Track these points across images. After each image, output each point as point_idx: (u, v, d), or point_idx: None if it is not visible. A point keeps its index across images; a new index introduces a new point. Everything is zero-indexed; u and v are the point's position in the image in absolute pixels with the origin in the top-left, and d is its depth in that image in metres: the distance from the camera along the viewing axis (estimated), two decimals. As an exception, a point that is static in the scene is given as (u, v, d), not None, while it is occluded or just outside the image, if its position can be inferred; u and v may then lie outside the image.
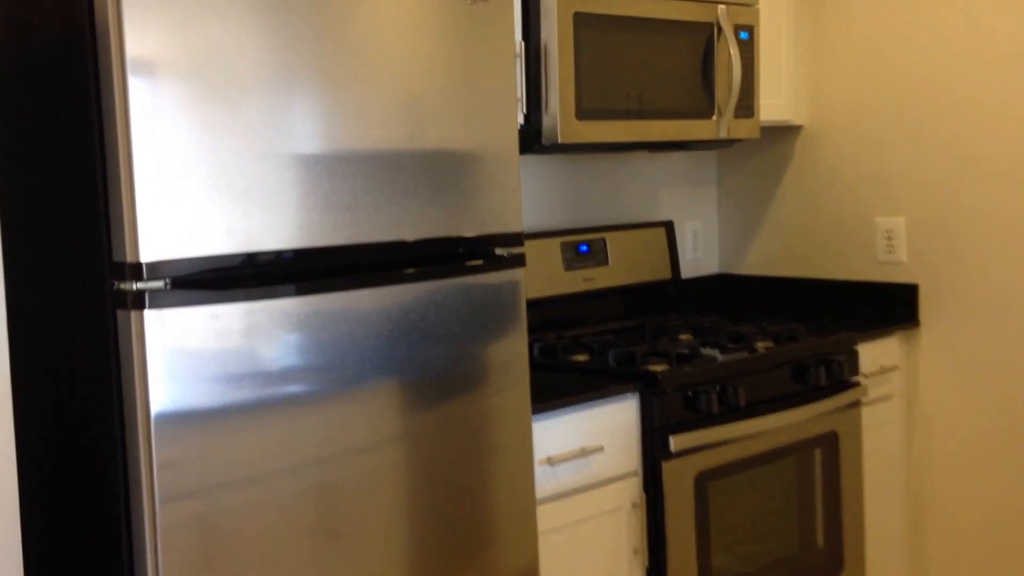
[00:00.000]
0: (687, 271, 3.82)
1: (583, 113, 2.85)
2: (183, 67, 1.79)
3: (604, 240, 3.40)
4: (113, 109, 1.75)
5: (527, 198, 3.34)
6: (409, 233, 2.10)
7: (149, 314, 1.76)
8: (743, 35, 3.26)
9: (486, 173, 2.22)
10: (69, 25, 1.79)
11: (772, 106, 3.48)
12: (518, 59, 2.73)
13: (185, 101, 1.79)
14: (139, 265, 1.76)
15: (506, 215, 2.24)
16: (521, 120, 2.80)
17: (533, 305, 3.18)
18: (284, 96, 1.92)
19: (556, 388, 2.61)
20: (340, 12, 1.99)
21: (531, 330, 3.18)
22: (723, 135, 3.18)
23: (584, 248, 3.34)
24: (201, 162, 1.81)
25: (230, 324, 1.85)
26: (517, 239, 2.26)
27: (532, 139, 2.84)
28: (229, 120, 1.84)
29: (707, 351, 2.97)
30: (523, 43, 2.78)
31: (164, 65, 1.78)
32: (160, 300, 1.77)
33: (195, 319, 1.81)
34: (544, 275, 3.22)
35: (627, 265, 3.45)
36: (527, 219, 3.34)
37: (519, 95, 2.77)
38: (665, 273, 3.57)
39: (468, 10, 2.18)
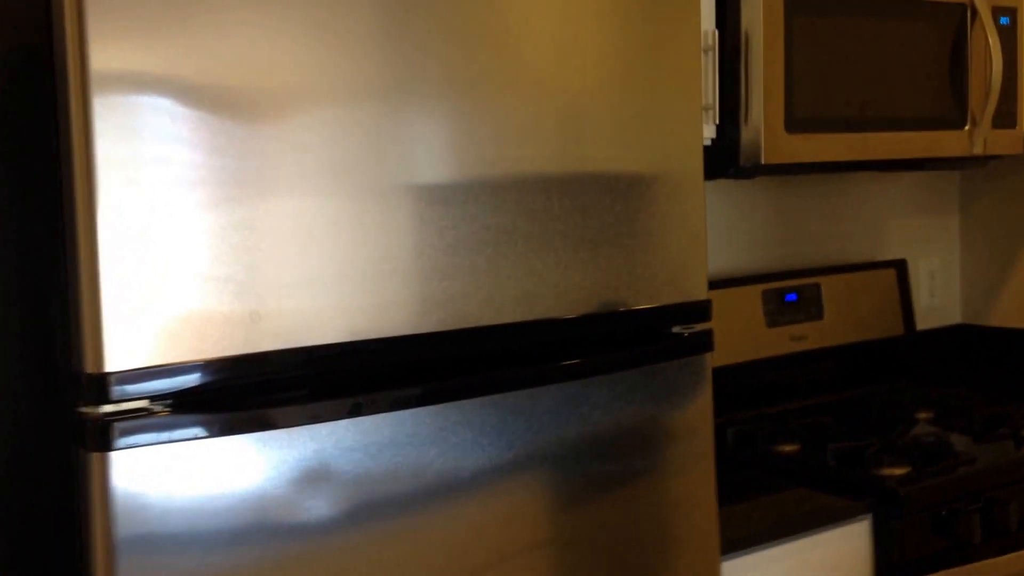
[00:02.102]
0: (921, 322, 3.03)
1: (794, 124, 2.12)
2: (179, 78, 1.18)
3: (818, 286, 2.66)
4: (70, 131, 1.14)
5: (715, 232, 2.62)
6: (547, 307, 1.43)
7: (119, 459, 1.14)
8: (1003, 20, 2.47)
9: (658, 213, 1.53)
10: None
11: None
12: (708, 54, 2.04)
13: (183, 120, 1.18)
14: (103, 378, 1.14)
15: (686, 273, 1.55)
16: (711, 134, 2.11)
17: (725, 372, 2.46)
18: (353, 111, 1.29)
19: (753, 497, 1.90)
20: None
21: (724, 406, 2.47)
22: (978, 151, 2.40)
23: (792, 297, 2.61)
24: (207, 208, 1.19)
25: (258, 466, 1.22)
26: (702, 310, 1.56)
27: (726, 159, 2.13)
28: (259, 147, 1.22)
29: (956, 439, 2.21)
30: (716, 32, 2.08)
31: (148, 75, 1.16)
32: (136, 431, 1.15)
33: (198, 461, 1.18)
34: (740, 333, 2.50)
35: (847, 318, 2.70)
36: (716, 260, 2.62)
37: (709, 101, 2.08)
38: (896, 328, 2.80)
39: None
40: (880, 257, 2.94)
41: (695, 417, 1.58)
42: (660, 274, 1.53)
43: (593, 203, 1.47)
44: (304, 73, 1.25)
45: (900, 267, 2.84)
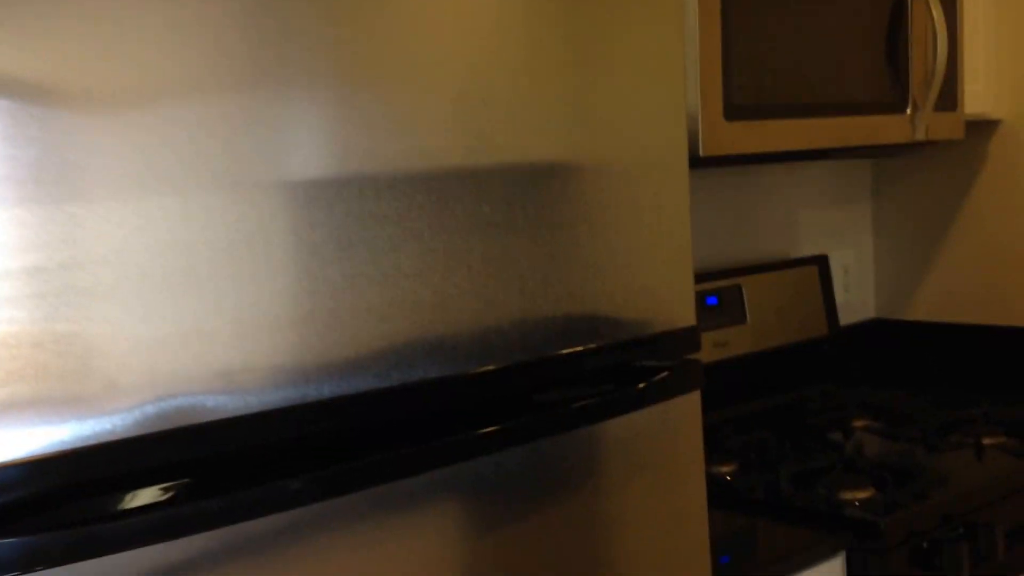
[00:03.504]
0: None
1: (733, 111, 1.88)
2: None
3: (739, 288, 2.43)
4: None
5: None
6: (496, 352, 1.14)
7: None
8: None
9: (630, 217, 1.25)
10: None
11: (967, 94, 2.50)
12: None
13: None
14: None
15: (670, 293, 1.27)
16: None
17: (650, 388, 2.22)
18: (207, 102, 0.97)
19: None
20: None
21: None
22: (920, 136, 2.20)
23: (712, 300, 2.37)
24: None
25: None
26: (691, 339, 1.28)
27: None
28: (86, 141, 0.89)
29: (914, 452, 2.00)
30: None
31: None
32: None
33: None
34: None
35: (771, 320, 2.48)
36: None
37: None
38: (819, 328, 2.60)
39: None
40: (795, 253, 2.74)
41: (682, 484, 1.31)
42: (636, 298, 1.24)
43: (545, 201, 1.18)
44: (150, 58, 0.93)
45: (822, 263, 2.64)
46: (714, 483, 1.91)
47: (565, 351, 1.17)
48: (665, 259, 1.24)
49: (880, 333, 2.93)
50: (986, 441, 2.07)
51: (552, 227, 1.18)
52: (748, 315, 2.42)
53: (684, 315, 1.25)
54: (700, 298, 2.33)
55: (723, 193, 2.55)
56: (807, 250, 2.76)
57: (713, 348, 2.34)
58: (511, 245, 1.14)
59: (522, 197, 1.16)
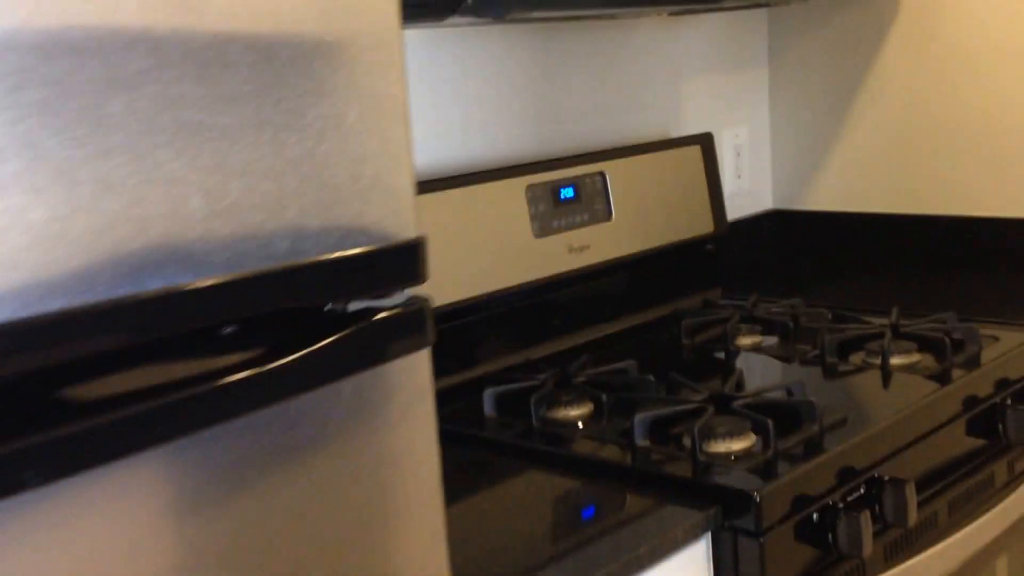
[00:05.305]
0: (728, 211, 2.39)
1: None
2: None
3: (603, 176, 1.96)
4: None
5: (453, 107, 1.88)
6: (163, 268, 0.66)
7: None
8: None
9: (323, 96, 0.76)
10: None
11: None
12: None
13: None
14: None
15: (382, 204, 0.79)
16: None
17: (476, 308, 1.75)
18: None
19: (527, 501, 1.20)
20: None
21: (476, 354, 1.76)
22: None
23: (569, 192, 1.90)
24: None
25: None
26: (406, 265, 0.79)
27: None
28: None
29: (804, 377, 1.56)
30: None
31: None
32: None
33: None
34: (497, 249, 1.78)
35: (643, 216, 2.01)
36: (455, 147, 1.88)
37: None
38: (704, 224, 2.14)
39: None
40: (677, 131, 2.26)
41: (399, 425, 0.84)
42: (333, 210, 0.76)
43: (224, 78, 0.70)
44: None
45: (706, 143, 2.16)
46: (559, 437, 1.46)
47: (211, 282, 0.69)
48: (371, 158, 0.76)
49: (777, 227, 2.49)
50: (895, 361, 1.64)
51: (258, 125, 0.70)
52: (614, 210, 1.95)
53: (396, 224, 0.76)
54: (551, 190, 1.85)
55: (582, 55, 2.05)
56: (692, 127, 2.29)
57: (568, 253, 1.87)
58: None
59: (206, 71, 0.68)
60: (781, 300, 1.97)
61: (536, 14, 1.52)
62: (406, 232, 0.77)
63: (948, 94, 2.19)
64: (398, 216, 0.76)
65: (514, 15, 1.46)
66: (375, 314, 0.76)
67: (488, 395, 1.57)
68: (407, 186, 0.77)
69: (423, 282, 0.77)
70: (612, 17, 2.02)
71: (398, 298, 0.78)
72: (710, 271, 2.17)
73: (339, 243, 0.75)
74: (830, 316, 1.88)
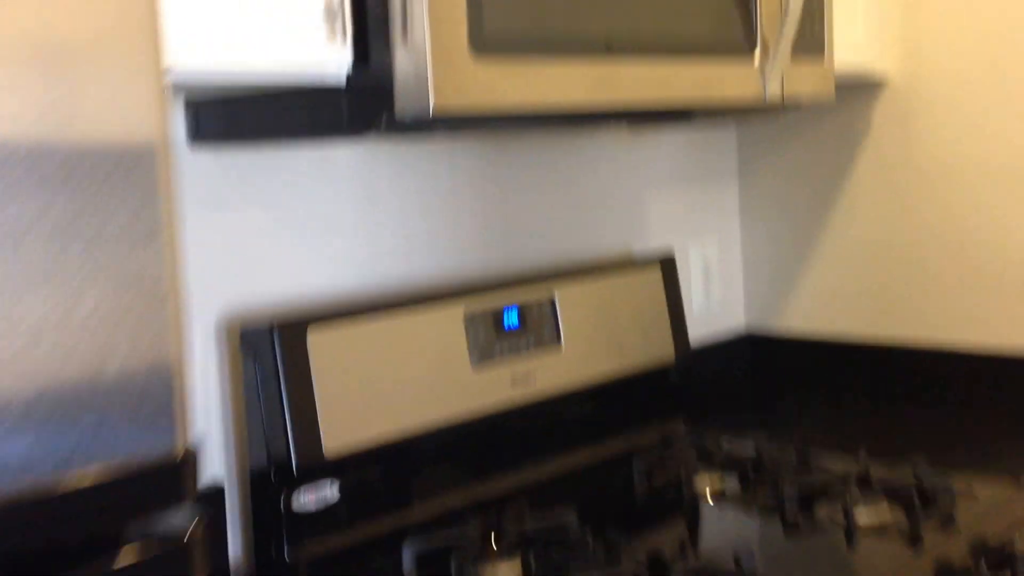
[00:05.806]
0: (695, 333, 2.24)
1: (485, 42, 1.25)
2: None
3: (552, 301, 1.81)
4: None
5: (393, 223, 1.74)
6: None
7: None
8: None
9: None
10: None
11: (842, 46, 1.92)
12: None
13: None
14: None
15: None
16: (342, 62, 1.22)
17: (412, 445, 1.59)
18: None
19: None
20: None
21: (401, 499, 1.59)
22: (775, 91, 1.59)
23: (513, 319, 1.75)
24: None
25: None
26: (169, 482, 0.63)
27: (371, 104, 1.24)
28: None
29: (764, 532, 1.40)
30: None
31: None
32: None
33: None
34: (433, 382, 1.62)
35: (596, 344, 1.86)
36: (395, 265, 1.74)
37: (333, 1, 1.19)
38: (665, 351, 1.98)
39: None
40: (639, 246, 2.12)
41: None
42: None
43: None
44: None
45: (667, 265, 2.02)
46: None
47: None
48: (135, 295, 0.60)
49: (747, 353, 2.33)
50: (861, 520, 1.47)
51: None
52: (563, 338, 1.80)
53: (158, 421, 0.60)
54: (493, 317, 1.70)
55: (538, 165, 1.92)
56: (657, 242, 2.15)
57: (512, 386, 1.72)
58: None
59: None
60: (746, 432, 1.81)
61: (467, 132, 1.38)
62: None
63: (923, 210, 2.05)
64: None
65: (433, 132, 1.33)
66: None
67: (407, 553, 1.40)
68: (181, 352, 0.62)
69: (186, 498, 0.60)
70: (552, 126, 1.90)
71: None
72: (671, 401, 2.01)
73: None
74: (795, 458, 1.71)
